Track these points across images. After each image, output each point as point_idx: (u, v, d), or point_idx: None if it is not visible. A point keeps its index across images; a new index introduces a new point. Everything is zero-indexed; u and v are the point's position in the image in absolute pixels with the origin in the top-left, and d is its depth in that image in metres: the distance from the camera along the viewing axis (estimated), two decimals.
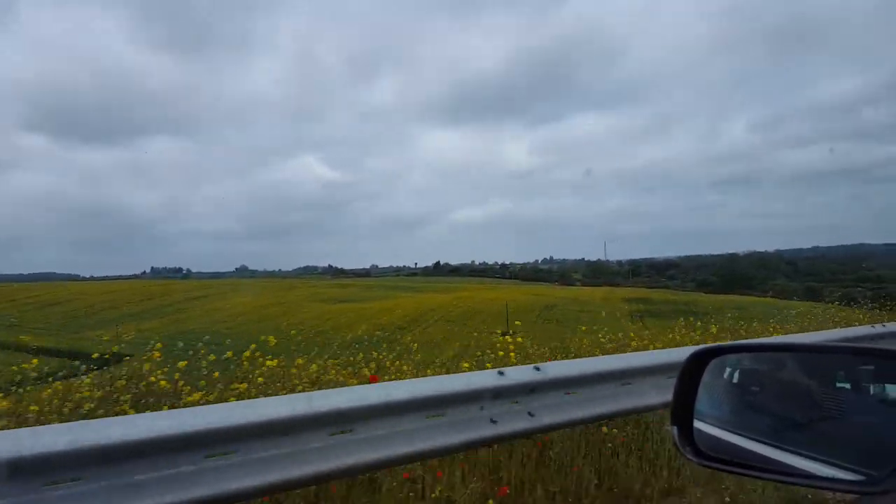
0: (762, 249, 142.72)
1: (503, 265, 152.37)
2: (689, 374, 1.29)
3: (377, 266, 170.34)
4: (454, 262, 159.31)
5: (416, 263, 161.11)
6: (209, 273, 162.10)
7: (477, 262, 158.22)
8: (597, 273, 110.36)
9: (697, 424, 1.26)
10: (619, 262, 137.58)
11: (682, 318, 10.25)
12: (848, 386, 1.14)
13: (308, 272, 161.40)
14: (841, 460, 1.01)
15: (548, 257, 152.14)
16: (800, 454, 1.08)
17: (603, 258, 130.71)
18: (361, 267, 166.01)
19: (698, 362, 1.30)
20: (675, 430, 1.26)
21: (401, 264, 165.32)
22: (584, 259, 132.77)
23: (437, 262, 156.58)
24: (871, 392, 1.10)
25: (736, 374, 1.35)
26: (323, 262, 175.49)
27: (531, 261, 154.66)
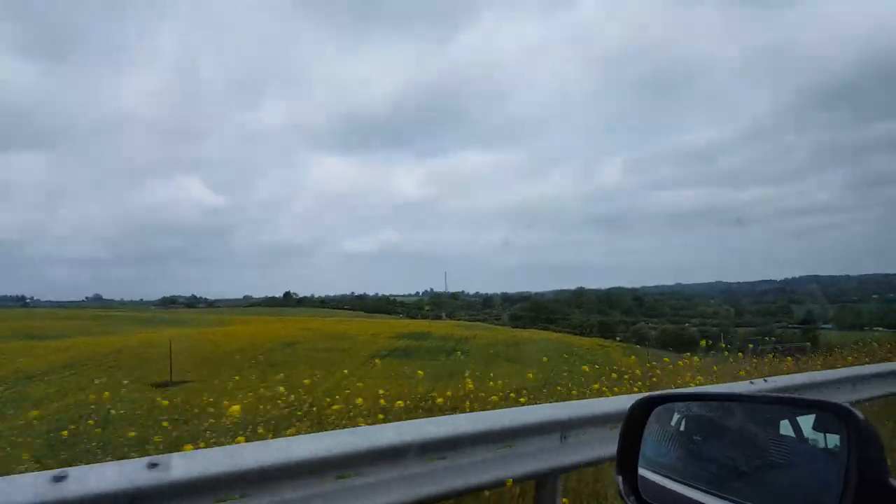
0: (629, 286, 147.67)
1: (358, 296, 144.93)
2: (634, 421, 1.31)
3: (251, 296, 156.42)
4: (334, 293, 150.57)
5: (289, 291, 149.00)
6: (57, 302, 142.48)
7: (356, 293, 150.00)
8: (438, 305, 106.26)
9: (643, 472, 1.28)
10: (466, 294, 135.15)
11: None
12: (792, 434, 1.16)
13: (168, 302, 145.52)
14: None
15: (428, 289, 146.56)
16: (744, 503, 1.09)
17: (445, 290, 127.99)
18: (234, 297, 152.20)
19: (643, 410, 1.32)
20: (619, 479, 1.28)
21: (279, 294, 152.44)
22: (463, 291, 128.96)
23: (287, 292, 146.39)
24: (812, 441, 1.12)
25: (682, 423, 1.37)
26: (190, 292, 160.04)
27: (412, 292, 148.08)
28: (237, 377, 24.81)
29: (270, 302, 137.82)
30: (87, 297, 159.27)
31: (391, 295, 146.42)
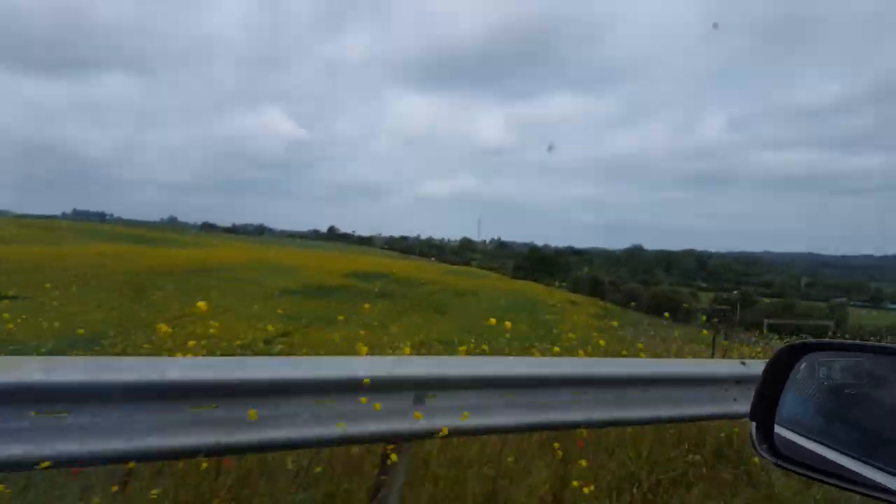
0: (711, 250, 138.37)
1: (402, 237, 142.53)
2: (777, 369, 1.22)
3: (317, 230, 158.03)
4: (401, 233, 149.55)
5: (353, 231, 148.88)
6: (133, 220, 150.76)
7: (423, 237, 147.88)
8: (463, 251, 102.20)
9: (780, 423, 1.19)
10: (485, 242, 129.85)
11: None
12: None
13: (208, 227, 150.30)
14: None
15: (496, 237, 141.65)
16: (885, 470, 1.00)
17: (477, 238, 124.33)
18: (300, 230, 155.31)
19: (789, 357, 1.23)
20: (753, 426, 1.21)
21: (350, 231, 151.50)
22: (531, 242, 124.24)
23: (331, 227, 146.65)
24: None
25: (829, 376, 1.28)
26: (259, 221, 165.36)
27: (481, 239, 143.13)
28: (56, 295, 21.89)
29: (314, 235, 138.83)
30: (162, 219, 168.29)
31: (447, 239, 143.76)
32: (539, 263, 66.08)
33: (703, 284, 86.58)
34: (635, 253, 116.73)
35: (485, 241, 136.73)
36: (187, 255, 38.46)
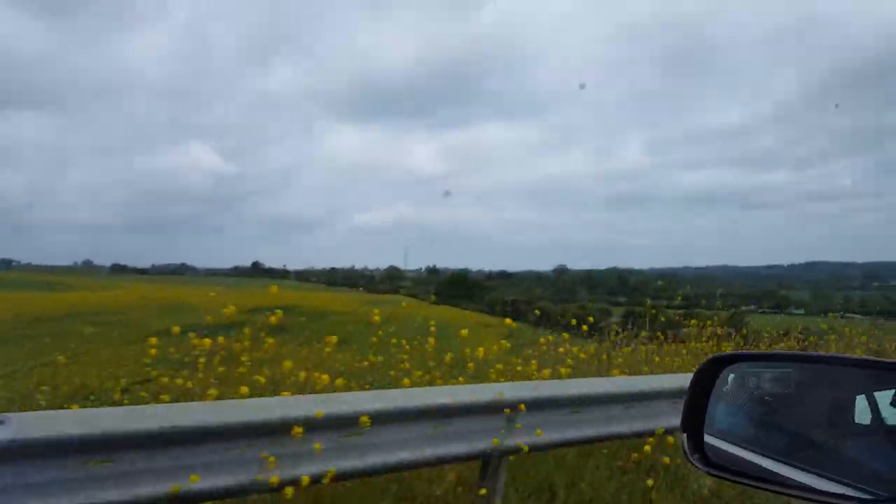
0: (635, 267, 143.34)
1: (331, 269, 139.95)
2: (703, 380, 1.25)
3: (239, 266, 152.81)
4: (339, 266, 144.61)
5: (284, 265, 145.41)
6: (43, 266, 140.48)
7: (357, 268, 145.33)
8: (391, 280, 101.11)
9: (708, 432, 1.23)
10: (419, 270, 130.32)
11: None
12: (866, 405, 1.10)
13: (119, 269, 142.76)
14: (852, 479, 1.00)
15: (430, 264, 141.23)
16: (810, 471, 1.06)
17: (404, 266, 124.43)
18: (224, 267, 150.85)
19: (713, 369, 1.26)
20: (684, 436, 1.23)
21: (281, 265, 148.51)
22: (466, 268, 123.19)
23: (254, 262, 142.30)
24: (888, 417, 1.07)
25: (752, 385, 1.31)
26: (181, 260, 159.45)
27: (414, 268, 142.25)
28: None
29: (235, 272, 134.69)
30: (76, 262, 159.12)
31: (379, 268, 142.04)
32: (460, 288, 65.84)
33: (623, 300, 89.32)
34: (563, 273, 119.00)
35: (420, 268, 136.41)
36: (73, 299, 35.48)
